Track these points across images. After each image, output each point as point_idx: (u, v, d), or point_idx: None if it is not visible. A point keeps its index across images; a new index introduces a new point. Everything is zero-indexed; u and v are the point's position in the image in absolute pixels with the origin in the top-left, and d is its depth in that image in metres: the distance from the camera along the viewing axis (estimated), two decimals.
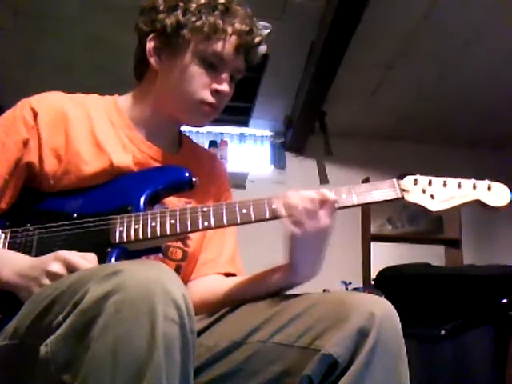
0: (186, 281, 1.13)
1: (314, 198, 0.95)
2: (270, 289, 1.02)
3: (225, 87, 1.08)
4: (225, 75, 1.08)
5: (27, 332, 0.81)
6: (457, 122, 3.76)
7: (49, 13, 2.70)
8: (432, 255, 3.58)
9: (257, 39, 1.09)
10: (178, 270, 1.10)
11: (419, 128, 3.83)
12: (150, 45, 1.08)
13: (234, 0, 1.08)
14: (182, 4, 1.05)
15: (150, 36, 1.08)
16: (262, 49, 1.12)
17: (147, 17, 1.09)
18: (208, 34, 1.04)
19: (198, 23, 1.04)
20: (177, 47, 1.06)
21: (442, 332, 2.24)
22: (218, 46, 1.05)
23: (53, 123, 1.05)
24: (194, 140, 1.27)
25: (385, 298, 0.97)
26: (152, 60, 1.09)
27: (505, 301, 2.18)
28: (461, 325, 2.22)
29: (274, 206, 0.97)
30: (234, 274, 1.16)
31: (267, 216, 0.98)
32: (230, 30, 1.05)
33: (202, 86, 1.07)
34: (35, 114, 1.05)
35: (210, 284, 1.12)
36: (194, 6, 1.05)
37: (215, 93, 1.08)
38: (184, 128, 1.22)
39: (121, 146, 1.09)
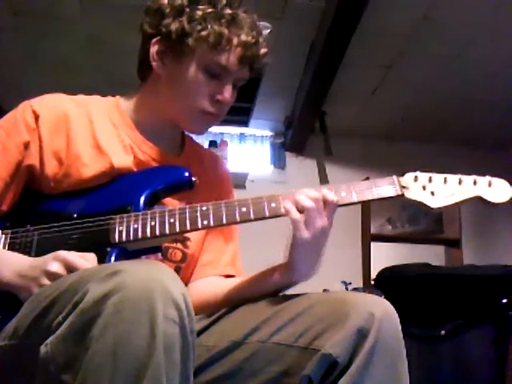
0: (185, 282, 1.12)
1: (319, 198, 0.95)
2: (268, 289, 1.01)
3: (227, 97, 1.07)
4: (228, 85, 1.07)
5: (27, 332, 0.81)
6: (457, 122, 3.76)
7: (49, 13, 2.70)
8: (432, 255, 3.58)
9: (262, 50, 1.08)
10: (177, 271, 1.10)
11: (419, 128, 3.83)
12: (153, 48, 1.07)
13: (240, 8, 1.06)
14: (187, 10, 1.03)
15: (154, 39, 1.06)
16: (267, 59, 1.11)
17: (152, 19, 1.07)
18: (213, 44, 1.02)
19: (204, 33, 1.02)
20: (180, 54, 1.05)
21: (442, 332, 2.24)
22: (223, 56, 1.04)
23: (54, 126, 1.05)
24: (193, 138, 1.26)
25: (385, 298, 0.97)
26: (155, 64, 1.07)
27: (505, 301, 2.18)
28: (461, 325, 2.22)
29: (283, 209, 0.96)
30: (233, 276, 1.15)
31: (267, 214, 0.97)
32: (235, 41, 1.03)
33: (204, 95, 1.06)
34: (36, 117, 1.05)
35: (209, 285, 1.12)
36: (199, 13, 1.02)
37: (217, 102, 1.07)
38: None
39: (122, 146, 1.09)
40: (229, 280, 1.12)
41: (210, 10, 1.03)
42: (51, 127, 1.05)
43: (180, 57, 1.05)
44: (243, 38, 1.04)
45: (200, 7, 1.03)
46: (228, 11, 1.04)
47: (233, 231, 1.21)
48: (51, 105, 1.07)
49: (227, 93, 1.07)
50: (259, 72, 1.12)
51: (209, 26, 1.02)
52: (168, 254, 1.10)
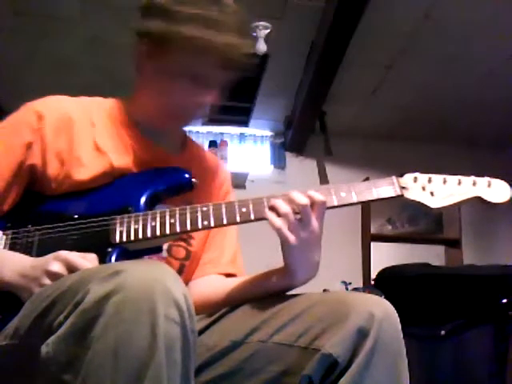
0: (189, 280, 1.13)
1: (305, 204, 0.94)
2: (269, 291, 1.01)
3: (208, 100, 1.06)
4: (209, 89, 1.05)
5: (28, 332, 0.81)
6: (457, 122, 3.76)
7: (49, 13, 2.70)
8: (432, 255, 3.58)
9: (243, 52, 1.02)
10: (181, 268, 1.11)
11: (419, 128, 3.83)
12: (138, 48, 1.06)
13: (227, 9, 1.02)
14: (169, 10, 1.00)
15: (139, 39, 1.06)
16: (251, 59, 1.05)
17: (140, 18, 1.06)
18: (194, 47, 1.00)
19: (184, 35, 0.99)
20: (161, 55, 1.03)
21: (442, 332, 2.24)
22: (203, 60, 1.01)
23: (57, 126, 1.06)
24: (194, 140, 1.27)
25: (385, 298, 0.97)
26: (139, 64, 1.07)
27: (505, 301, 2.18)
28: (461, 325, 2.22)
29: (265, 212, 0.96)
30: (234, 275, 1.16)
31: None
32: (216, 44, 0.99)
33: (184, 98, 1.05)
34: (40, 117, 1.05)
35: (210, 284, 1.12)
36: (183, 15, 0.99)
37: (195, 104, 1.06)
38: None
39: (122, 147, 1.09)
40: (229, 280, 1.12)
41: (190, 10, 1.00)
42: (54, 128, 1.05)
43: (161, 58, 1.03)
44: (225, 40, 0.99)
45: (180, 8, 1.00)
46: (208, 12, 1.00)
47: (233, 230, 1.21)
48: (55, 106, 1.08)
49: (208, 95, 1.05)
50: (246, 72, 1.08)
51: (191, 29, 0.99)
52: (172, 252, 1.10)
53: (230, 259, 1.18)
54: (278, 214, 0.94)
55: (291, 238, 0.94)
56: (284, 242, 0.95)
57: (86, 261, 0.90)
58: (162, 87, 1.06)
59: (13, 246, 0.99)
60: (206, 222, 0.97)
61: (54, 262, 0.89)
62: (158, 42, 1.02)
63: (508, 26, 2.76)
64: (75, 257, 0.89)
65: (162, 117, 1.10)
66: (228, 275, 1.15)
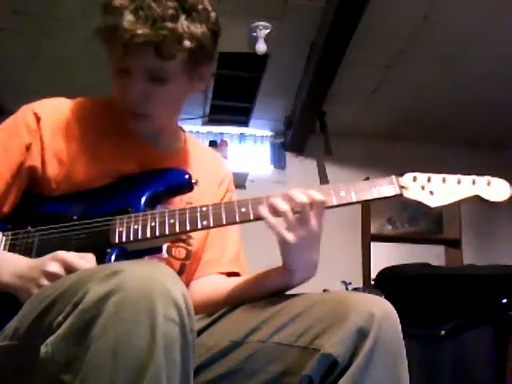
0: (190, 279, 1.13)
1: (305, 202, 0.93)
2: (268, 290, 1.01)
3: (132, 94, 1.00)
4: (133, 80, 1.00)
5: (27, 332, 0.81)
6: (457, 122, 3.76)
7: (49, 13, 2.71)
8: (432, 255, 3.58)
9: (145, 31, 0.93)
10: (182, 268, 1.11)
11: (419, 128, 3.83)
12: None
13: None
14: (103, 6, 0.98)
15: None
16: (170, 39, 0.94)
17: None
18: (103, 38, 0.98)
19: (100, 28, 0.98)
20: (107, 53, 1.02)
21: (442, 332, 2.24)
22: (113, 49, 0.99)
23: (55, 128, 1.06)
24: (195, 139, 1.26)
25: (385, 298, 0.97)
26: None
27: (505, 301, 2.18)
28: (461, 325, 2.22)
29: (261, 211, 0.95)
30: (237, 273, 1.16)
31: None
32: (117, 31, 0.94)
33: (120, 94, 1.03)
34: (38, 119, 1.05)
35: (212, 283, 1.12)
36: (105, 8, 0.97)
37: (128, 100, 1.02)
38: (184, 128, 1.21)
39: (121, 148, 1.09)
40: (230, 279, 1.12)
41: (113, 3, 0.96)
42: (52, 129, 1.06)
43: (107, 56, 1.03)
44: (124, 25, 0.93)
45: (109, 1, 0.96)
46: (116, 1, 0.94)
47: (235, 228, 1.20)
48: (52, 107, 1.08)
49: (133, 88, 1.00)
50: (176, 52, 0.97)
51: (102, 20, 0.97)
52: (172, 252, 1.10)
53: (233, 258, 1.17)
54: (276, 213, 0.94)
55: (288, 236, 0.93)
56: (280, 241, 0.95)
57: (84, 261, 0.90)
58: (113, 86, 1.05)
59: (12, 248, 0.99)
60: (205, 222, 0.97)
61: (52, 263, 0.88)
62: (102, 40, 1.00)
63: (507, 26, 2.76)
64: (73, 257, 0.89)
65: (124, 117, 1.07)
66: (231, 274, 1.15)
